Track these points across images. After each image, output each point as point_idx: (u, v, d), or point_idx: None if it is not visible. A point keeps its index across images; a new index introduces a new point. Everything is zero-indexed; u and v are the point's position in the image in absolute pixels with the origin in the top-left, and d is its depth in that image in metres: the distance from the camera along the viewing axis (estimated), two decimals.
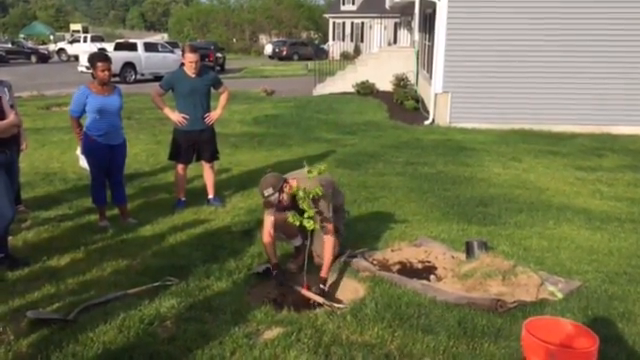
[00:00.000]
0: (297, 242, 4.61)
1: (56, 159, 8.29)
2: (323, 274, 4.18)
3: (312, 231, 4.13)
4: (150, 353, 3.23)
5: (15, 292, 3.98)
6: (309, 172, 4.12)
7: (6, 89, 5.39)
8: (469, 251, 4.61)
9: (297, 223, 3.97)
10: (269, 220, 4.28)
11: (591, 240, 5.36)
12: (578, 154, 9.59)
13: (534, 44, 11.61)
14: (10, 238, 4.74)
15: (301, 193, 3.97)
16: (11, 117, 4.24)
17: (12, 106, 4.97)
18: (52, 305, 3.81)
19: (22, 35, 57.76)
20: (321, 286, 4.11)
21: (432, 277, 4.38)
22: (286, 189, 4.09)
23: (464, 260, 4.54)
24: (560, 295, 4.02)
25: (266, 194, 4.04)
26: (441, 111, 12.30)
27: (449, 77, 12.03)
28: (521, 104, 11.89)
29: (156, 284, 4.12)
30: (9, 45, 39.87)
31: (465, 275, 4.21)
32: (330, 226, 4.25)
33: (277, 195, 4.05)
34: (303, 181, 4.13)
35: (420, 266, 4.65)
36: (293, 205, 4.11)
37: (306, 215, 3.92)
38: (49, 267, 4.46)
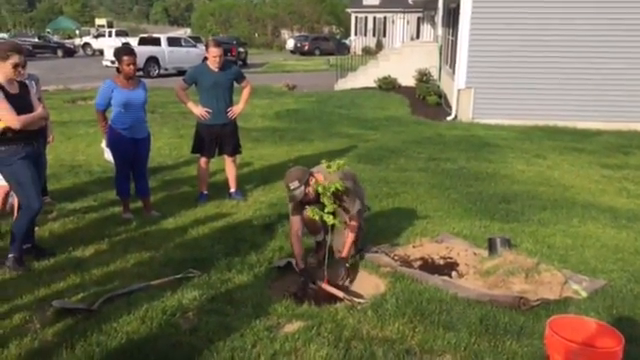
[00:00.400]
0: (319, 237, 4.61)
1: (82, 152, 8.42)
2: (344, 254, 4.24)
3: (333, 227, 4.13)
4: (172, 344, 3.27)
5: (41, 282, 4.05)
6: (328, 167, 4.12)
7: (34, 82, 5.46)
8: (492, 248, 4.57)
9: (317, 217, 3.97)
10: (297, 221, 4.26)
11: (617, 239, 5.27)
12: (604, 151, 9.44)
13: (559, 39, 11.42)
14: (37, 229, 4.83)
15: (320, 189, 3.97)
16: (39, 110, 4.31)
17: (39, 99, 5.05)
18: (77, 295, 3.88)
19: (48, 29, 58.61)
20: (347, 266, 4.22)
21: (454, 273, 4.35)
22: (312, 182, 4.08)
23: (486, 257, 4.50)
24: (584, 294, 3.97)
25: (292, 187, 4.03)
26: (464, 107, 12.19)
27: (472, 72, 11.91)
28: (545, 100, 11.72)
29: (178, 276, 4.16)
30: (36, 39, 40.45)
31: (487, 272, 4.18)
32: (355, 223, 4.25)
33: (303, 188, 4.03)
34: (326, 175, 4.13)
35: (442, 262, 4.62)
36: (318, 199, 4.09)
37: (326, 210, 3.92)
38: (74, 258, 4.54)
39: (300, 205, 4.21)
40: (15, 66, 4.10)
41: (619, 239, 5.26)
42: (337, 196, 4.09)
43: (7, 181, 4.41)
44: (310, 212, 3.96)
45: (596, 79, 11.46)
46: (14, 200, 4.92)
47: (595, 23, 11.29)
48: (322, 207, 4.03)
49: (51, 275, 4.18)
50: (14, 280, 4.09)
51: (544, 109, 11.72)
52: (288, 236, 5.02)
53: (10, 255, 4.25)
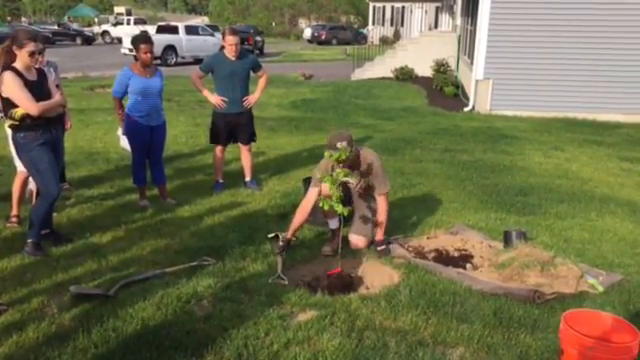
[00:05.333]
0: (334, 224, 4.60)
1: (99, 139, 8.49)
2: (379, 236, 4.46)
3: (350, 216, 4.15)
4: (187, 330, 3.30)
5: (58, 267, 4.11)
6: (330, 156, 4.12)
7: (52, 69, 5.52)
8: (507, 241, 4.54)
9: (326, 207, 3.98)
10: (313, 196, 4.36)
11: (635, 233, 5.20)
12: (624, 144, 9.29)
13: (580, 29, 11.23)
14: (55, 215, 4.90)
15: (334, 156, 4.05)
16: (57, 97, 4.35)
17: (57, 86, 5.10)
18: (94, 281, 3.93)
19: (68, 17, 58.98)
20: (383, 246, 4.40)
21: (468, 266, 4.34)
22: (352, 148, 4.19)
23: (502, 250, 4.47)
24: (601, 288, 3.93)
25: (339, 147, 4.08)
26: (482, 98, 12.07)
27: (491, 63, 11.77)
28: (565, 92, 11.55)
29: (193, 264, 4.19)
30: (55, 27, 40.78)
31: (502, 265, 4.15)
32: (385, 204, 4.43)
33: (349, 150, 4.11)
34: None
35: (456, 254, 4.60)
36: (351, 165, 4.23)
37: (335, 200, 3.94)
38: (91, 244, 4.59)
39: (332, 171, 4.23)
40: (31, 54, 4.14)
41: (637, 233, 5.19)
42: (369, 172, 4.28)
43: (26, 167, 4.47)
44: (321, 202, 3.98)
45: (617, 70, 11.26)
46: (33, 186, 5.00)
47: (617, 13, 11.08)
48: (345, 189, 4.18)
49: (68, 261, 4.24)
50: (32, 265, 4.15)
51: (563, 101, 11.56)
52: (303, 226, 5.04)
53: (29, 240, 4.32)
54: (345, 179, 4.12)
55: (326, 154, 4.18)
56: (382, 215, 4.47)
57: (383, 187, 4.44)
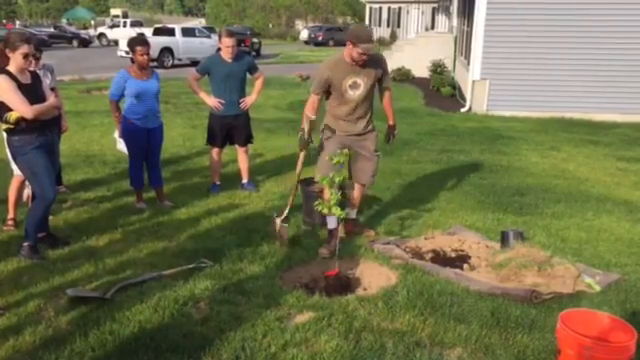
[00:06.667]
0: (332, 224, 4.59)
1: (96, 142, 8.48)
2: (391, 122, 5.10)
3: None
4: (184, 333, 3.29)
5: (55, 270, 4.10)
6: (330, 159, 4.18)
7: (49, 72, 5.51)
8: (504, 241, 4.54)
9: (325, 211, 4.00)
10: (316, 99, 4.74)
11: (632, 232, 5.21)
12: (620, 144, 9.31)
13: (576, 30, 11.25)
14: (51, 218, 4.88)
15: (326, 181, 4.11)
16: (51, 99, 4.33)
17: (53, 89, 5.09)
18: (90, 283, 3.92)
19: (64, 19, 58.89)
20: (395, 133, 5.15)
21: (465, 266, 4.34)
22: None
23: (499, 250, 4.48)
24: (598, 288, 3.94)
25: (374, 40, 4.43)
26: (478, 98, 12.09)
27: (487, 64, 11.79)
28: (561, 92, 11.57)
29: (191, 266, 4.19)
30: (52, 29, 40.70)
31: (499, 265, 4.15)
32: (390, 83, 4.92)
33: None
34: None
35: (453, 255, 4.60)
36: (364, 65, 4.50)
37: (332, 202, 3.99)
38: (88, 247, 4.58)
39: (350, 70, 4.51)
40: (25, 56, 4.12)
41: (634, 233, 5.21)
42: (382, 66, 4.64)
43: (21, 171, 4.46)
44: (320, 206, 4.01)
45: (614, 70, 11.28)
46: (29, 189, 4.99)
47: (613, 13, 11.11)
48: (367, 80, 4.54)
49: (65, 264, 4.23)
50: (29, 268, 4.14)
51: (560, 101, 11.58)
52: (299, 227, 5.05)
53: (25, 244, 4.30)
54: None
55: (327, 157, 4.23)
56: (390, 108, 5.03)
57: (389, 81, 4.92)
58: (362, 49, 4.32)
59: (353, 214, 4.99)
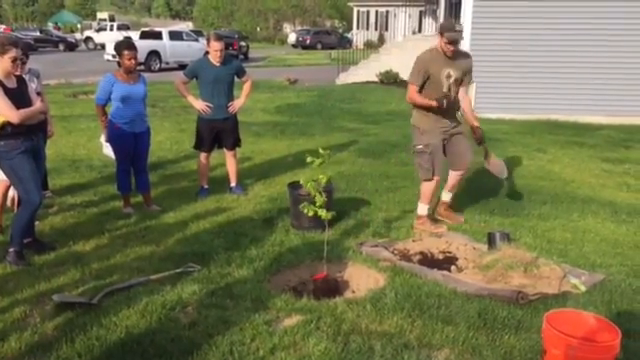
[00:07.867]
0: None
1: (82, 146, 8.42)
2: (476, 123, 5.38)
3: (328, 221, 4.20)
4: (172, 338, 3.28)
5: (41, 276, 4.07)
6: (312, 162, 4.09)
7: (34, 77, 5.48)
8: (491, 242, 4.58)
9: (311, 213, 4.00)
10: (416, 88, 5.03)
11: (616, 233, 5.27)
12: (605, 145, 9.41)
13: (561, 33, 11.38)
14: (37, 223, 4.85)
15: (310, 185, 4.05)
16: (37, 104, 4.31)
17: (39, 94, 5.06)
18: (77, 289, 3.90)
19: (51, 23, 58.49)
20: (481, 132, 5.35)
21: (453, 268, 4.36)
22: None
23: (486, 251, 4.51)
24: (583, 288, 3.97)
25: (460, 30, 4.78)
26: None
27: (474, 66, 11.81)
28: (547, 94, 11.68)
29: (178, 270, 4.17)
30: (37, 33, 40.41)
31: (486, 266, 4.18)
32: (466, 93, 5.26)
33: None
34: None
35: (441, 257, 4.63)
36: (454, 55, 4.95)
37: (318, 204, 3.96)
38: (74, 252, 4.55)
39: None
40: (13, 60, 4.10)
41: (619, 233, 5.27)
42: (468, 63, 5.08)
43: (7, 176, 4.42)
44: (306, 209, 4.00)
45: (599, 72, 11.41)
46: (14, 194, 4.95)
47: (597, 17, 11.24)
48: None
49: (51, 269, 4.20)
50: (14, 274, 4.11)
51: (546, 103, 11.69)
52: (288, 231, 5.05)
53: (11, 249, 4.27)
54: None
55: (308, 159, 4.15)
56: (468, 105, 5.28)
57: (469, 81, 5.20)
58: (447, 38, 4.71)
59: (448, 197, 5.42)
